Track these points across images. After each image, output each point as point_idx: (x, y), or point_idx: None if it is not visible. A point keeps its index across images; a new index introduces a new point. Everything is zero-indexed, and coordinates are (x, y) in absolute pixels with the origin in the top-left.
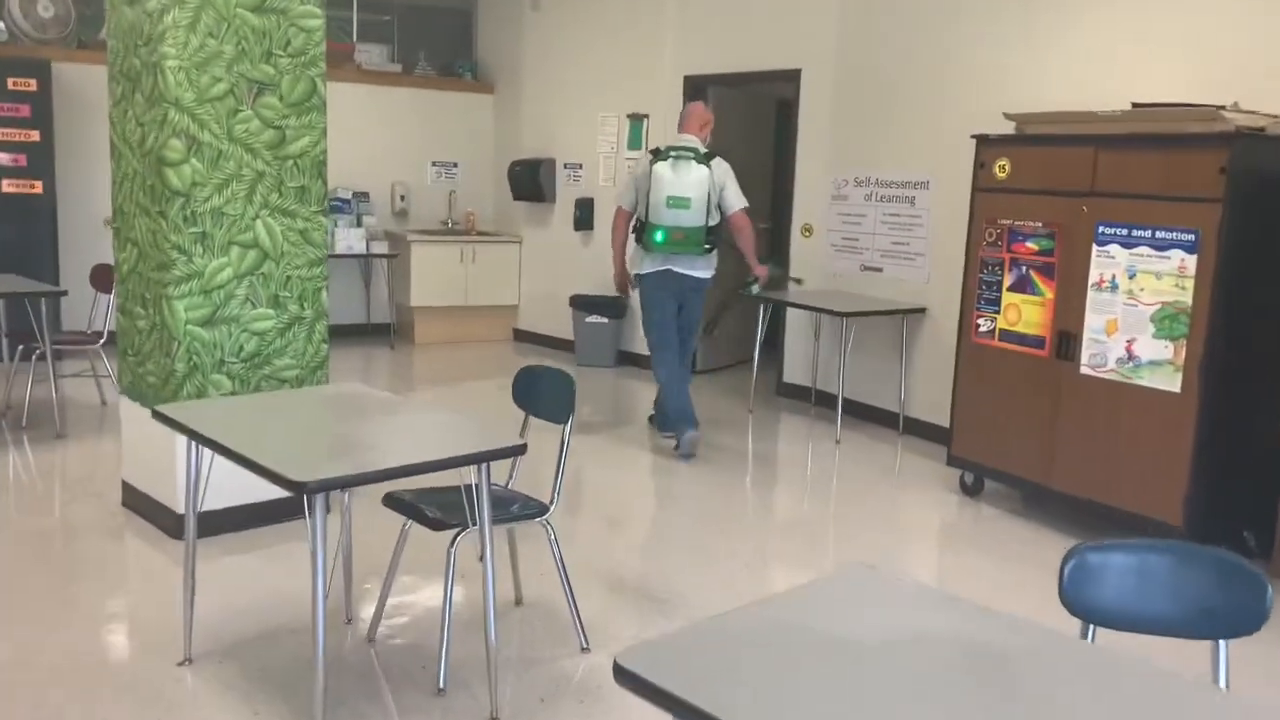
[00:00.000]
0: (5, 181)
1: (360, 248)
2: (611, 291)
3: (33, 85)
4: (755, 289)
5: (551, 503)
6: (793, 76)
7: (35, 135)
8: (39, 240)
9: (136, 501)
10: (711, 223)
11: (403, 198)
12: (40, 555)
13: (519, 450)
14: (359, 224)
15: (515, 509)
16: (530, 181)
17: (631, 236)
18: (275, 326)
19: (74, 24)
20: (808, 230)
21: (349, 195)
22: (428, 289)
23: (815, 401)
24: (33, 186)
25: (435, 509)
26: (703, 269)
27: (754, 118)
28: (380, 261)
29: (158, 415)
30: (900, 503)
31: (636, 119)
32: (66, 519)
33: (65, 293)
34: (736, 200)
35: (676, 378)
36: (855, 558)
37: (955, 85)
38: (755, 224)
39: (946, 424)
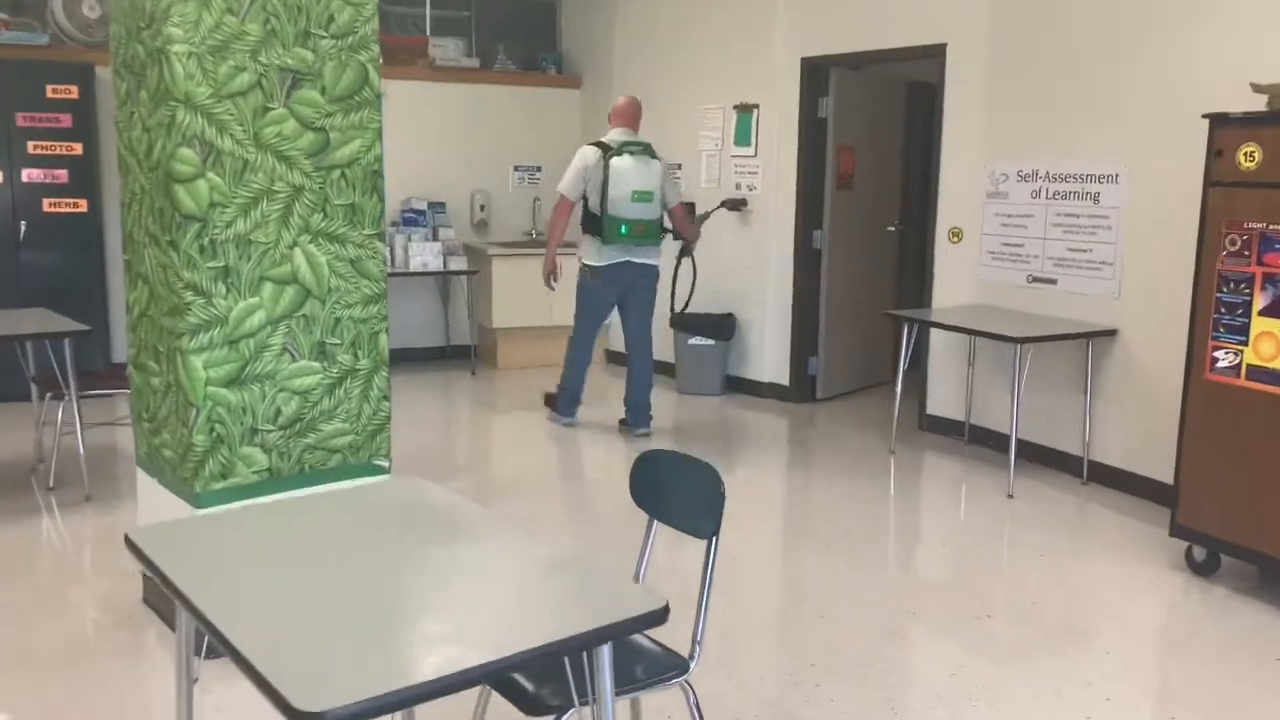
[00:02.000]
0: (45, 201)
1: (437, 264)
2: (719, 309)
3: (74, 92)
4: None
5: (692, 657)
6: (934, 53)
7: (77, 148)
8: (84, 266)
9: (157, 599)
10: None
11: (482, 207)
12: (43, 670)
13: (659, 618)
14: (435, 237)
15: (641, 671)
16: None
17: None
18: (322, 383)
19: None
20: (956, 234)
21: (424, 206)
22: (510, 308)
23: (969, 439)
24: (76, 205)
25: (529, 678)
26: (655, 257)
27: (882, 104)
28: (459, 279)
29: (130, 546)
30: (1104, 583)
31: (745, 110)
32: (77, 620)
33: (88, 331)
34: (675, 194)
35: (584, 368)
36: (1057, 671)
37: (1163, 51)
38: (884, 226)
39: (1146, 473)
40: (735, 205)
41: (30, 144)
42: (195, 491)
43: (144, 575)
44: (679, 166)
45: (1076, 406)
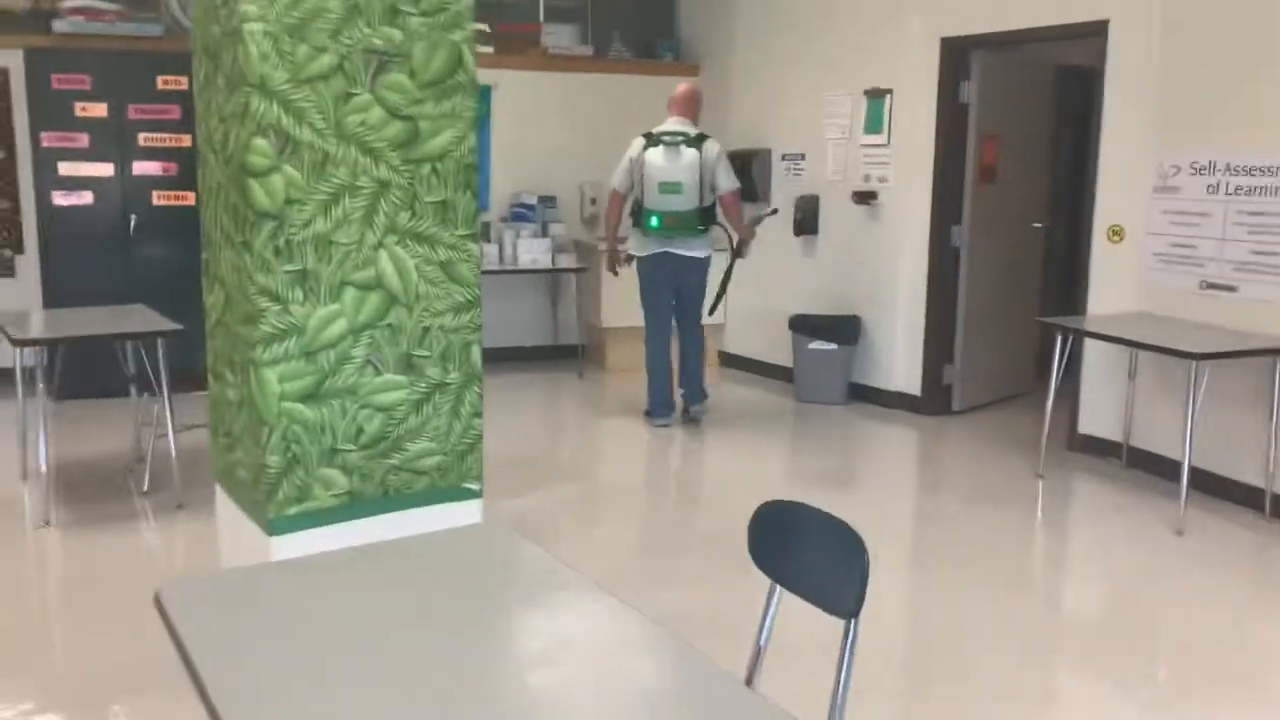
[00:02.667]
0: (155, 194)
1: (546, 261)
2: (844, 310)
3: (184, 83)
4: (745, 253)
5: None
6: (1094, 31)
7: (186, 140)
8: (192, 260)
9: None
10: (705, 204)
11: (593, 201)
12: (121, 691)
13: None
14: (544, 233)
15: None
16: (740, 177)
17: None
18: (408, 399)
19: None
20: (1117, 233)
21: (533, 201)
22: (620, 307)
23: (1127, 462)
24: (182, 199)
25: None
26: (700, 249)
27: (1030, 89)
28: (568, 276)
29: (159, 607)
30: None
31: (876, 96)
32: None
33: (180, 330)
34: (727, 182)
35: (663, 363)
36: None
37: None
38: (1030, 223)
39: None
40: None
41: (141, 136)
42: (269, 517)
43: None
44: (802, 157)
45: (1258, 431)
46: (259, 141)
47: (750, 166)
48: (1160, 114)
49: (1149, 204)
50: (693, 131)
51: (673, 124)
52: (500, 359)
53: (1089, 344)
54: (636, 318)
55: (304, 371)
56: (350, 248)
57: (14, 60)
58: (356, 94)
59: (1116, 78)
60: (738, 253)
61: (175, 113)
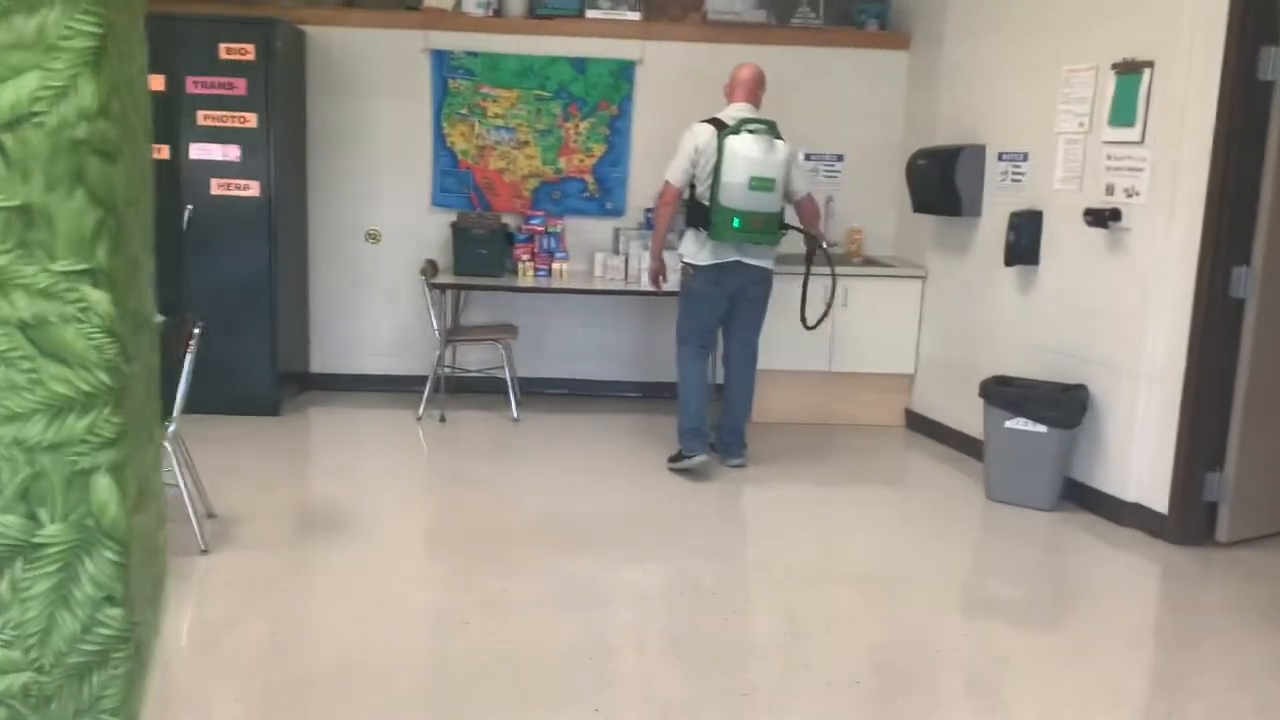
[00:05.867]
0: (214, 181)
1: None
2: (1064, 375)
3: (249, 53)
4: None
5: None
6: None
7: (251, 120)
8: (254, 260)
9: None
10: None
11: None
12: None
13: None
14: None
15: None
16: (939, 183)
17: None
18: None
19: None
20: None
21: None
22: (774, 343)
23: None
24: (245, 188)
25: None
26: (771, 259)
27: None
28: None
29: None
30: None
31: (1129, 71)
32: None
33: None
34: (806, 183)
35: (700, 386)
36: None
37: None
38: None
39: None
40: (815, 246)
41: (200, 114)
42: None
43: None
44: (1024, 158)
45: None
46: None
47: (953, 168)
48: None
49: None
50: (772, 121)
51: (743, 110)
52: (595, 395)
53: None
54: (796, 357)
55: None
56: None
57: None
58: None
59: None
60: (816, 252)
61: (240, 87)
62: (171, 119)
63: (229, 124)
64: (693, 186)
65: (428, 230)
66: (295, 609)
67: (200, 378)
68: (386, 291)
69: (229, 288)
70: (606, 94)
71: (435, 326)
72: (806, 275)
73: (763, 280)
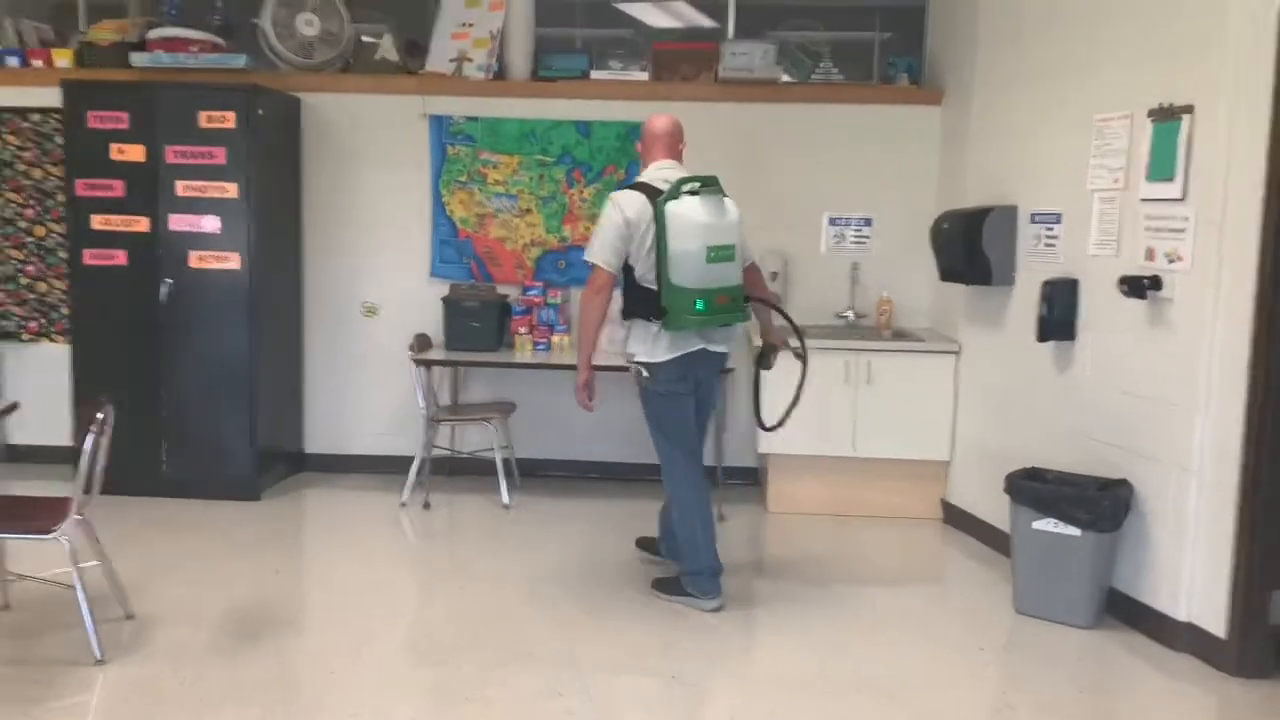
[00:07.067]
0: (193, 254)
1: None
2: (1103, 469)
3: (230, 120)
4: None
5: None
6: None
7: (232, 190)
8: (234, 339)
9: None
10: None
11: (774, 275)
12: None
13: None
14: None
15: None
16: (964, 248)
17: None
18: None
19: (348, 42)
20: None
21: None
22: (787, 427)
23: None
24: (224, 260)
25: None
26: (735, 342)
27: None
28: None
29: None
30: None
31: (1167, 118)
32: None
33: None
34: (750, 248)
35: (708, 507)
36: None
37: None
38: None
39: None
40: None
41: (180, 184)
42: None
43: None
44: (1056, 219)
45: None
46: None
47: (979, 231)
48: None
49: None
50: (712, 176)
51: (670, 169)
52: (619, 477)
53: None
54: (818, 441)
55: None
56: None
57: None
58: None
59: None
60: (765, 360)
61: (220, 156)
62: (151, 189)
63: (208, 194)
64: (627, 270)
65: (427, 302)
66: None
67: (179, 460)
68: (384, 367)
69: (208, 364)
70: (613, 158)
71: (422, 405)
72: (759, 360)
73: (720, 365)
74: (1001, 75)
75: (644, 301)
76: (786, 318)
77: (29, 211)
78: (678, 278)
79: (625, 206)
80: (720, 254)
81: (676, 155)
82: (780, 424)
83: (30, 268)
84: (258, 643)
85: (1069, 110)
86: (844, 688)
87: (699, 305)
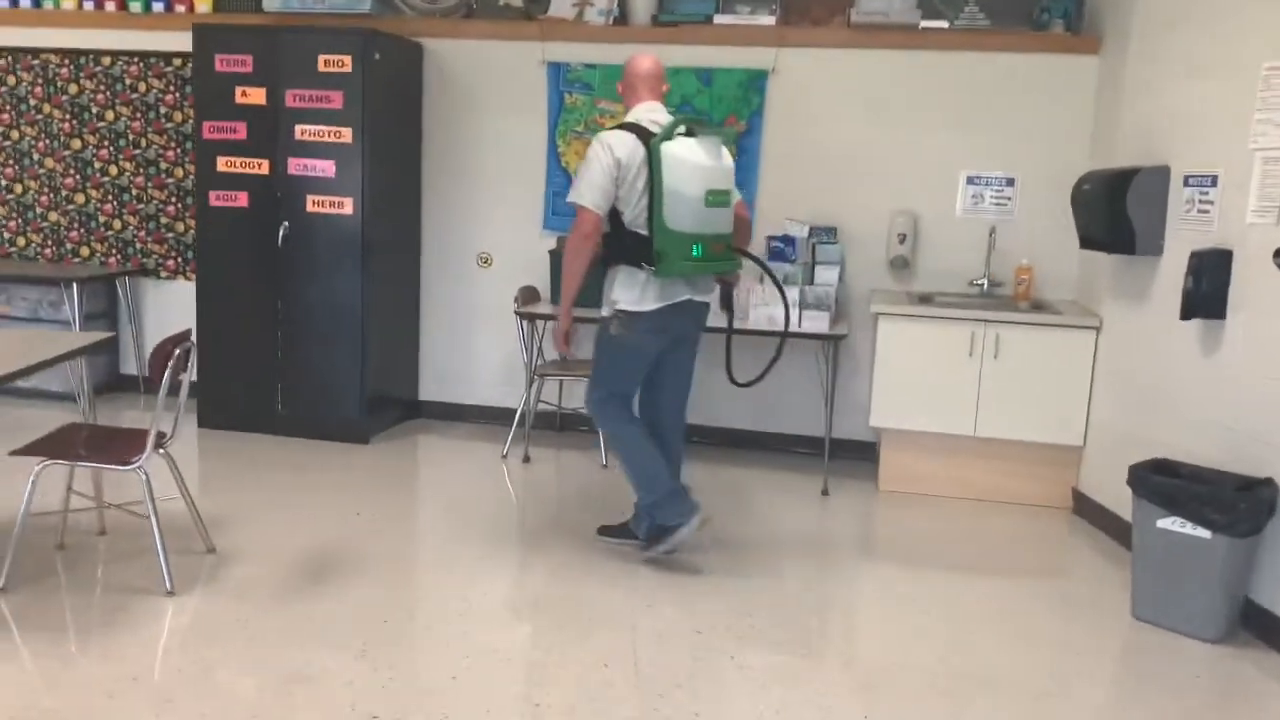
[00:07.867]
0: (309, 198)
1: (797, 322)
2: (1246, 465)
3: (347, 64)
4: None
5: None
6: None
7: (347, 134)
8: (348, 283)
9: None
10: None
11: (902, 237)
12: None
13: None
14: (811, 279)
15: None
16: (1107, 213)
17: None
18: None
19: None
20: None
21: (800, 232)
22: (904, 400)
23: None
24: (339, 206)
25: None
26: (711, 293)
27: None
28: (829, 344)
29: None
30: None
31: None
32: None
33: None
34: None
35: (649, 443)
36: None
37: None
38: None
39: None
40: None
41: (298, 128)
42: None
43: None
44: (1212, 182)
45: None
46: None
47: (1123, 195)
48: None
49: None
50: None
51: (657, 110)
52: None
53: None
54: (934, 419)
55: None
56: None
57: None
58: None
59: None
60: (726, 300)
61: (337, 100)
62: (271, 133)
63: (325, 139)
64: (615, 215)
65: (538, 255)
66: (209, 670)
67: (293, 400)
68: (496, 319)
69: (321, 307)
70: (734, 107)
71: (525, 359)
72: (730, 312)
73: (704, 319)
74: (1165, 17)
75: (633, 248)
76: (767, 270)
77: (170, 154)
78: (674, 222)
79: (615, 146)
80: (718, 199)
81: (659, 97)
82: (755, 381)
83: (171, 208)
84: (319, 585)
85: (1233, 58)
86: (926, 686)
87: (696, 250)
